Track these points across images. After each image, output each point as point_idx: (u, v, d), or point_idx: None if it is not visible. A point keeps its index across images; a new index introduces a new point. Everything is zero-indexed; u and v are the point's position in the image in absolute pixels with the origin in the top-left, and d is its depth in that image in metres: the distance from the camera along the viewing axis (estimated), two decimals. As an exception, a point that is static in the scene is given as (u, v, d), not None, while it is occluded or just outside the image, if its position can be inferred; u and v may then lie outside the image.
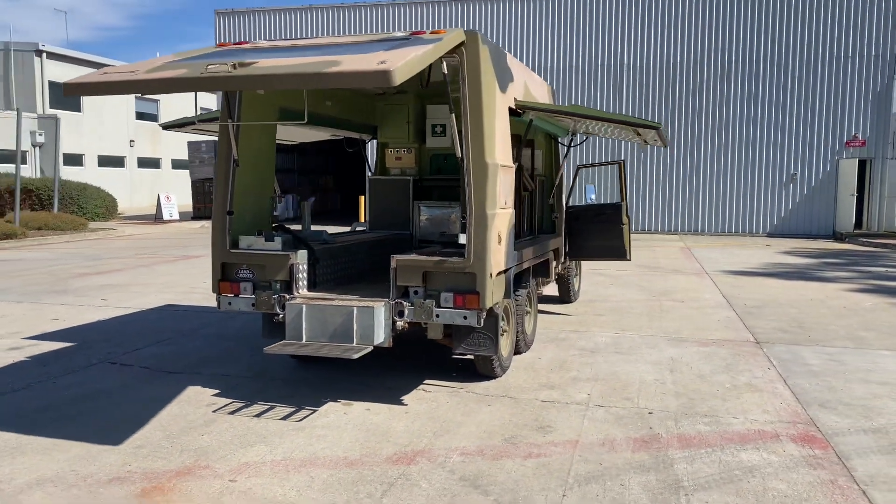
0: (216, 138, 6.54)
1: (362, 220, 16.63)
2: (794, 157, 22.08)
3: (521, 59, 23.58)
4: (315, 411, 5.36)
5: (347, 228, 8.48)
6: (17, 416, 5.26)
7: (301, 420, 5.17)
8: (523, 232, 7.74)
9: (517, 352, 6.84)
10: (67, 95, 4.22)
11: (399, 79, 3.74)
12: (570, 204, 9.36)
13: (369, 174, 8.55)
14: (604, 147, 23.07)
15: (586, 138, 9.20)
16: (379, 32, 7.58)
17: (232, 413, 5.32)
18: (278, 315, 5.61)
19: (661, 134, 6.53)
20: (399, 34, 5.04)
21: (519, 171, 7.30)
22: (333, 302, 5.41)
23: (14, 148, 21.12)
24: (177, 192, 32.38)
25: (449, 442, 4.75)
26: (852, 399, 5.71)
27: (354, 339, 5.24)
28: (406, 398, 5.66)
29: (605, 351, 7.25)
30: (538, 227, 8.42)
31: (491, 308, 5.54)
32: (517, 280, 6.73)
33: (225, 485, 4.09)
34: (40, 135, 30.97)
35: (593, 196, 9.84)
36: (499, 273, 5.50)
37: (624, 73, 22.90)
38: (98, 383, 6.09)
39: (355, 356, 5.03)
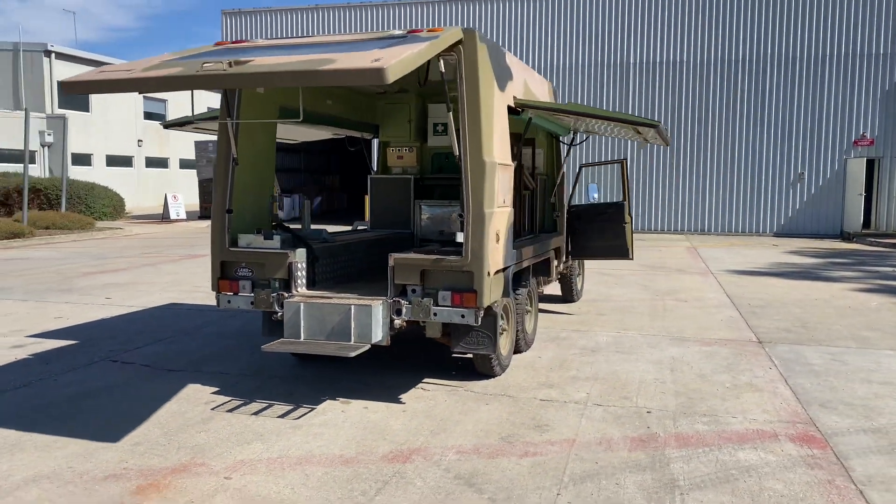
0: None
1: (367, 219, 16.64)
2: (802, 157, 21.96)
3: (527, 58, 23.56)
4: (313, 409, 5.37)
5: (349, 227, 8.48)
6: (17, 413, 5.29)
7: (299, 418, 5.18)
8: (524, 231, 7.72)
9: (517, 351, 6.83)
10: (66, 94, 4.24)
11: (392, 76, 3.74)
12: (573, 203, 9.33)
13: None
14: (608, 146, 23.01)
15: (587, 137, 9.18)
16: (377, 31, 7.59)
17: (230, 411, 5.33)
18: (277, 313, 5.62)
19: (661, 132, 6.50)
20: (396, 32, 5.03)
21: (519, 170, 7.29)
22: (332, 300, 5.41)
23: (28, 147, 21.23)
24: (184, 192, 32.52)
25: (445, 440, 4.74)
26: (854, 399, 5.68)
27: (352, 338, 5.24)
28: (404, 396, 5.66)
29: (606, 350, 7.23)
30: (539, 226, 8.41)
31: (489, 307, 5.53)
32: (517, 279, 6.72)
33: (220, 482, 4.10)
34: (49, 135, 31.11)
35: (596, 195, 9.79)
36: (497, 272, 5.49)
37: (629, 72, 22.84)
38: (99, 381, 6.11)
39: (352, 354, 5.03)
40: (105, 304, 9.76)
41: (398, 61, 3.83)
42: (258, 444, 4.68)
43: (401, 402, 5.52)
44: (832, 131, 21.69)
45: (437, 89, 7.70)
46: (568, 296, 9.88)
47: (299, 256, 5.70)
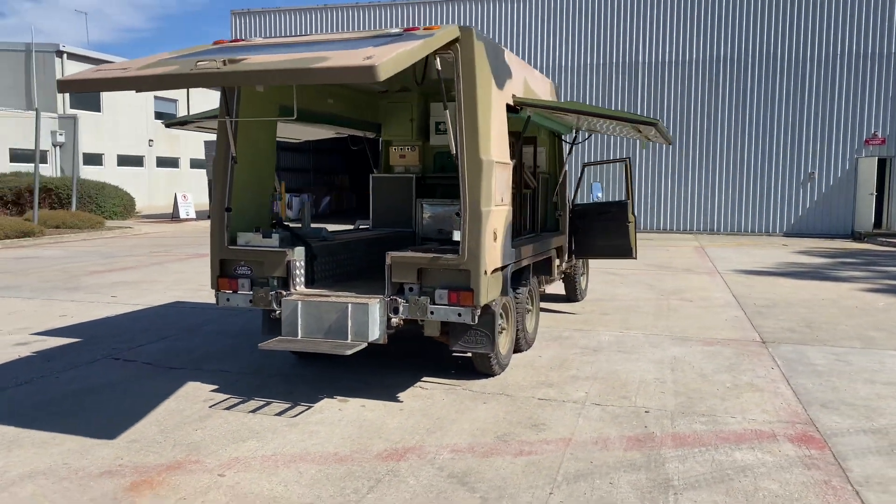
0: None
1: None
2: (813, 156, 21.80)
3: (537, 58, 23.50)
4: (310, 407, 5.38)
5: (351, 226, 8.49)
6: (17, 410, 5.32)
7: (295, 416, 5.19)
8: (525, 230, 7.70)
9: (518, 350, 6.81)
10: (61, 92, 4.26)
11: (383, 74, 3.74)
12: (577, 202, 9.30)
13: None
14: (614, 145, 22.92)
15: (589, 136, 9.14)
16: (374, 29, 7.59)
17: (228, 409, 5.35)
18: (275, 311, 5.63)
19: (661, 130, 6.47)
20: (393, 31, 5.03)
21: (519, 169, 7.28)
22: (329, 298, 5.42)
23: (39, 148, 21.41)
24: (194, 192, 32.69)
25: (441, 439, 4.73)
26: (855, 399, 5.62)
27: (349, 336, 5.24)
28: (402, 395, 5.66)
29: (608, 350, 7.20)
30: (541, 225, 8.38)
31: (487, 305, 5.52)
32: (517, 278, 6.71)
33: (213, 479, 4.11)
34: (61, 134, 31.35)
35: (600, 194, 9.75)
36: (494, 270, 5.48)
37: (637, 71, 22.74)
38: (100, 378, 6.15)
39: (348, 352, 5.04)
40: (110, 302, 9.82)
41: (389, 59, 3.82)
42: (253, 441, 4.69)
43: (398, 401, 5.52)
44: (843, 130, 21.52)
45: (439, 88, 7.69)
46: (572, 295, 9.84)
47: (297, 255, 5.71)
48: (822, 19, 21.34)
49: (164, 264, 14.18)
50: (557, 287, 10.09)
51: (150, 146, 38.39)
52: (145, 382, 6.05)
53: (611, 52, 22.95)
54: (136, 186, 34.40)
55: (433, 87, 7.62)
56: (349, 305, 5.24)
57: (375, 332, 5.29)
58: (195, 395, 5.66)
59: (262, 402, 5.49)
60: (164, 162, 39.69)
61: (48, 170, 31.66)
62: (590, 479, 4.12)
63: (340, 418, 5.14)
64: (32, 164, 26.34)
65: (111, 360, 6.74)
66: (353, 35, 5.09)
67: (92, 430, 4.88)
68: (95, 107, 35.18)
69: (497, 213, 5.49)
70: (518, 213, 7.36)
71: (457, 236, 5.28)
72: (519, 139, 6.72)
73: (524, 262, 6.59)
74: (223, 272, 5.84)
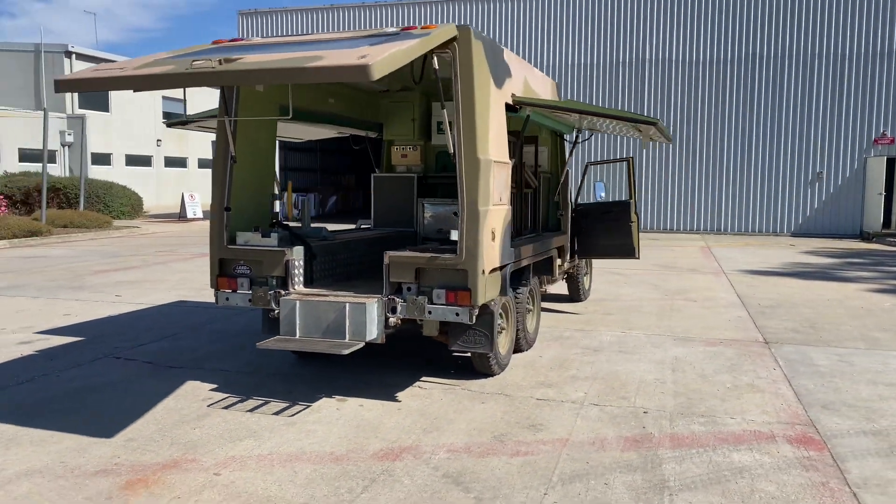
0: None
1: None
2: (821, 155, 21.66)
3: (544, 57, 23.45)
4: (308, 407, 5.38)
5: (353, 226, 8.49)
6: (18, 408, 5.35)
7: (293, 415, 5.19)
8: (526, 229, 7.68)
9: (518, 350, 6.80)
10: (58, 92, 4.28)
11: (377, 73, 3.73)
12: (581, 201, 9.27)
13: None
14: (619, 145, 22.85)
15: (591, 136, 9.11)
16: (372, 28, 7.58)
17: (226, 408, 5.36)
18: (274, 311, 5.64)
19: (661, 129, 6.44)
20: (390, 30, 5.02)
21: (520, 168, 7.26)
22: (327, 298, 5.42)
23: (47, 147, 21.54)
24: (202, 191, 32.74)
25: (437, 439, 4.73)
26: (857, 401, 5.58)
27: (347, 335, 5.24)
28: (401, 395, 5.66)
29: (609, 350, 7.18)
30: (543, 225, 8.36)
31: (485, 305, 5.51)
32: (518, 278, 6.69)
33: (209, 478, 4.12)
34: (69, 134, 31.60)
35: (603, 194, 9.70)
36: (493, 270, 5.47)
37: (644, 70, 22.66)
38: (101, 377, 6.17)
39: (345, 352, 5.04)
40: (114, 301, 9.86)
41: (384, 58, 3.82)
42: (250, 440, 4.70)
43: (396, 401, 5.51)
44: (852, 130, 21.38)
45: (444, 87, 7.68)
46: (575, 295, 9.82)
47: (296, 254, 5.71)
48: (830, 18, 21.20)
49: (169, 264, 14.23)
50: (561, 287, 10.07)
51: (158, 146, 38.56)
52: (145, 381, 6.06)
53: (617, 51, 22.88)
54: (145, 186, 34.54)
55: (435, 86, 7.61)
56: (347, 305, 5.24)
57: (373, 332, 5.29)
58: (194, 394, 5.68)
59: (260, 402, 5.50)
60: (172, 162, 39.86)
61: (57, 169, 31.85)
62: (585, 479, 4.11)
63: (338, 418, 5.14)
64: (41, 164, 26.50)
65: (112, 359, 6.76)
66: (351, 34, 5.09)
67: (90, 428, 4.90)
68: (104, 107, 35.36)
69: (495, 212, 5.47)
70: (519, 212, 7.35)
71: (454, 236, 5.27)
72: (519, 139, 6.70)
73: (524, 262, 6.57)
74: (222, 271, 5.86)
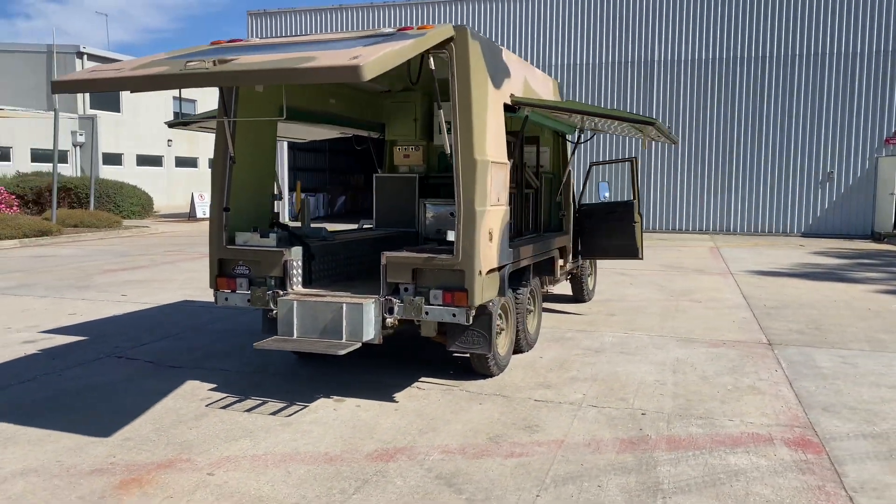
0: None
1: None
2: (831, 155, 21.49)
3: (551, 57, 23.40)
4: (306, 407, 5.39)
5: (356, 226, 8.50)
6: (18, 407, 5.39)
7: (290, 415, 5.20)
8: (527, 230, 7.66)
9: (519, 350, 6.78)
10: (55, 92, 4.31)
11: (369, 74, 3.73)
12: (584, 202, 9.23)
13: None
14: (623, 145, 22.76)
15: (593, 136, 9.07)
16: (369, 29, 7.57)
17: (224, 408, 5.37)
18: (272, 311, 5.65)
19: (661, 129, 6.40)
20: (387, 30, 5.02)
21: (521, 169, 7.24)
22: (324, 298, 5.42)
23: (58, 147, 21.71)
24: (212, 191, 32.86)
25: (432, 440, 4.72)
26: (858, 403, 5.52)
27: (344, 336, 5.24)
28: (399, 395, 5.65)
29: (610, 351, 7.15)
30: (545, 225, 8.33)
31: (483, 306, 5.50)
32: (518, 278, 6.67)
33: (202, 478, 4.13)
34: (81, 135, 31.81)
35: (607, 194, 9.66)
36: (490, 271, 5.45)
37: (653, 70, 22.56)
38: (102, 377, 6.20)
39: (342, 352, 5.04)
40: (120, 301, 9.92)
41: (376, 59, 3.82)
42: (246, 440, 4.71)
43: (394, 401, 5.51)
44: (863, 129, 21.20)
45: (443, 87, 7.68)
46: (579, 296, 9.78)
47: (295, 255, 5.72)
48: (841, 17, 21.03)
49: (177, 263, 14.30)
50: (565, 288, 10.04)
51: (169, 146, 38.79)
52: (146, 381, 6.09)
53: (625, 51, 22.78)
54: (155, 186, 34.75)
55: (438, 86, 7.60)
56: (344, 305, 5.24)
57: (370, 333, 5.29)
58: (193, 394, 5.70)
59: (258, 402, 5.51)
60: (182, 162, 40.09)
61: (68, 170, 32.10)
62: (578, 481, 4.09)
63: (335, 418, 5.15)
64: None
65: (114, 359, 6.80)
66: (348, 35, 5.09)
67: (89, 427, 4.93)
68: (115, 107, 35.61)
69: (493, 213, 5.46)
70: (520, 213, 7.33)
71: (451, 236, 5.26)
72: (519, 139, 6.68)
73: (523, 263, 6.55)
74: (222, 272, 5.88)
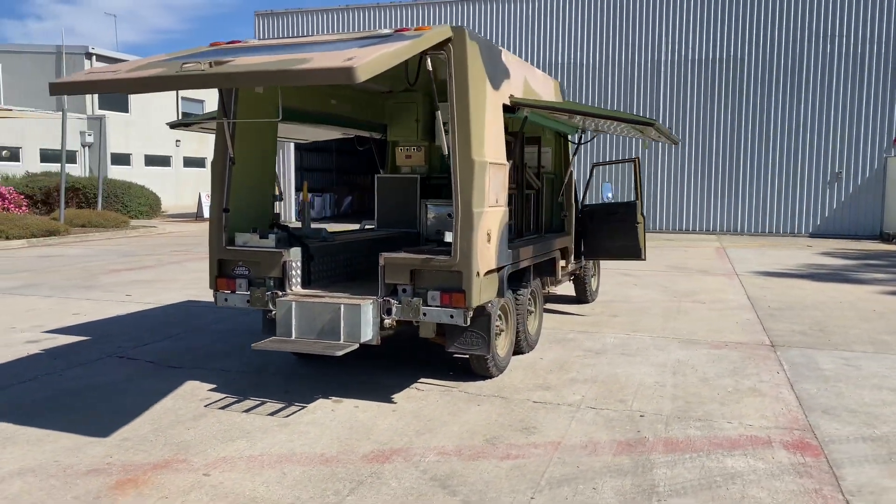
0: None
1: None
2: (840, 155, 21.36)
3: (551, 57, 23.35)
4: (304, 407, 5.39)
5: (357, 226, 8.51)
6: (18, 406, 5.42)
7: (288, 416, 5.21)
8: (528, 230, 7.65)
9: (519, 352, 6.77)
10: (53, 94, 4.33)
11: (363, 76, 3.73)
12: (587, 202, 9.21)
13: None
14: (627, 146, 22.69)
15: (594, 136, 9.04)
16: (367, 30, 7.56)
17: (222, 408, 5.39)
18: (272, 311, 5.66)
19: (661, 130, 6.37)
20: (384, 31, 5.03)
21: (521, 169, 7.22)
22: (323, 299, 5.43)
23: (67, 147, 21.83)
24: (219, 191, 32.97)
25: (429, 441, 4.72)
26: (859, 406, 5.49)
27: (341, 337, 5.25)
28: (397, 396, 5.65)
29: (611, 352, 7.12)
30: (546, 226, 8.31)
31: (482, 307, 5.49)
32: (518, 279, 6.66)
33: (198, 479, 4.14)
34: (89, 135, 31.94)
35: (610, 194, 9.64)
36: (489, 272, 5.44)
37: (660, 71, 22.48)
38: (102, 377, 6.23)
39: (339, 353, 5.04)
40: (124, 301, 9.97)
41: (370, 60, 3.82)
42: (243, 441, 4.72)
43: (392, 402, 5.51)
44: (871, 129, 21.06)
45: (443, 88, 7.68)
46: (582, 297, 9.76)
47: (293, 255, 5.73)
48: (850, 16, 20.90)
49: (183, 263, 14.35)
50: (568, 288, 10.01)
51: (177, 146, 38.93)
52: (146, 381, 6.12)
53: (630, 50, 22.71)
54: (164, 186, 34.90)
55: (439, 87, 7.59)
56: (341, 306, 5.24)
57: (368, 334, 5.29)
58: (192, 394, 5.72)
59: (257, 402, 5.52)
60: (191, 162, 40.23)
61: (77, 170, 32.27)
62: (574, 483, 4.08)
63: (332, 419, 5.15)
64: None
65: (116, 359, 6.83)
66: (345, 36, 5.10)
67: (88, 427, 4.95)
68: (123, 107, 35.78)
69: (491, 214, 5.45)
70: (521, 213, 7.31)
71: (449, 237, 5.26)
72: (519, 139, 6.67)
73: (523, 264, 6.53)
74: (221, 272, 5.89)
